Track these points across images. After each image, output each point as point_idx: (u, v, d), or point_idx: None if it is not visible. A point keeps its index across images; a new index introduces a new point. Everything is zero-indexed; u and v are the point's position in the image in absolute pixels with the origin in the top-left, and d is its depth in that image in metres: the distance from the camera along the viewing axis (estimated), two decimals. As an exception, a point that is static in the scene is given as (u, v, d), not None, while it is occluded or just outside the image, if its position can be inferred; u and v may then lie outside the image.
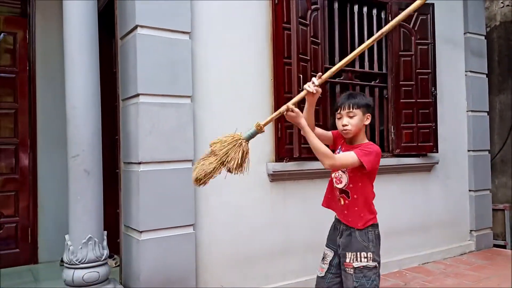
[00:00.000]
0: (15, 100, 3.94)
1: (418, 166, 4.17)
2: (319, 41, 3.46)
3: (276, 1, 3.28)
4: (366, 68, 4.03)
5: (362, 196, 2.06)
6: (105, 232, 2.68)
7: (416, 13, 4.06)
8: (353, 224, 2.07)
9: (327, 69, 3.54)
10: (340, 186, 2.10)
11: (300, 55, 3.24)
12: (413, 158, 4.11)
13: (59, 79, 3.25)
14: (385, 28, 2.03)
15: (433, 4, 4.12)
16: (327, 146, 2.11)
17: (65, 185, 2.62)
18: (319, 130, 2.21)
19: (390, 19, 4.02)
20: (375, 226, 2.10)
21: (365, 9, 4.00)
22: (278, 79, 3.26)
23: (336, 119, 2.13)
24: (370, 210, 2.08)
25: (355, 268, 2.02)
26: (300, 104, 3.19)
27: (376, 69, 4.06)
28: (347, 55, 3.81)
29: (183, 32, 2.81)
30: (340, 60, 3.72)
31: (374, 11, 4.05)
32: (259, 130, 2.05)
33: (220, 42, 3.05)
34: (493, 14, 5.61)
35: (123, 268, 2.97)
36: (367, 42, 2.02)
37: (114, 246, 3.29)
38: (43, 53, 3.96)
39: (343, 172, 2.09)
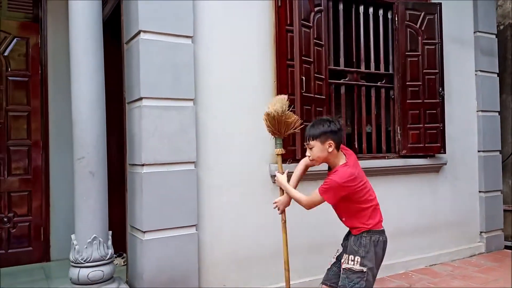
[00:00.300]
0: (28, 102, 4.07)
1: (425, 167, 4.14)
2: (322, 42, 3.47)
3: (279, 4, 3.31)
4: (372, 69, 4.02)
5: (349, 214, 2.17)
6: (110, 232, 2.75)
7: (423, 13, 4.03)
8: (352, 231, 2.22)
9: (331, 71, 3.62)
10: None
11: (303, 57, 3.26)
12: (420, 159, 4.08)
13: (70, 82, 3.35)
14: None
15: (440, 4, 4.08)
16: None
17: (75, 185, 2.71)
18: (302, 162, 2.43)
19: (396, 19, 4.01)
20: (373, 232, 2.14)
21: (371, 9, 3.99)
22: (281, 81, 3.29)
23: None
24: (363, 221, 2.15)
25: (343, 269, 2.15)
26: (304, 106, 3.24)
27: (382, 70, 4.05)
28: (352, 56, 3.87)
29: (186, 37, 2.86)
30: (345, 61, 3.77)
31: (380, 12, 4.04)
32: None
33: (223, 45, 3.10)
34: (506, 12, 5.50)
35: (128, 267, 3.05)
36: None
37: (124, 245, 3.36)
38: (54, 56, 4.07)
39: None
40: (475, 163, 4.57)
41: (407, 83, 4.03)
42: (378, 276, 3.60)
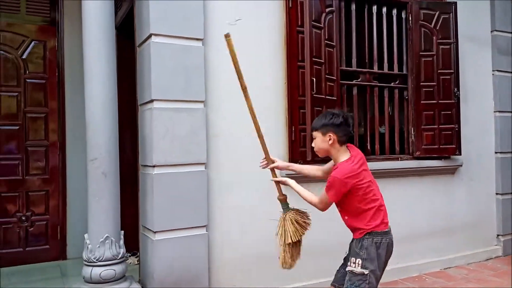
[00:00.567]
0: (45, 104, 4.17)
1: (440, 169, 4.08)
2: (334, 43, 3.46)
3: (290, 5, 3.31)
4: (386, 69, 3.98)
5: (352, 214, 2.15)
6: (122, 231, 2.80)
7: (438, 12, 3.98)
8: (353, 235, 2.20)
9: (343, 72, 3.60)
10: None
11: (313, 58, 3.25)
12: (434, 161, 4.03)
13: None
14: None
15: (455, 3, 4.02)
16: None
17: (90, 186, 2.76)
18: (326, 166, 2.38)
19: (410, 18, 3.96)
20: (375, 234, 2.11)
21: (384, 9, 3.95)
22: (292, 83, 3.29)
23: None
24: (365, 222, 2.12)
25: (347, 271, 2.16)
26: (300, 110, 3.25)
27: (396, 70, 4.01)
28: (365, 56, 3.84)
29: (196, 39, 2.89)
30: (357, 62, 3.75)
31: (394, 11, 4.00)
32: (281, 201, 2.39)
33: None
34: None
35: (141, 266, 3.10)
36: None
37: (138, 244, 3.41)
38: (71, 59, 4.16)
39: None
40: (492, 164, 4.49)
41: (421, 83, 3.98)
42: (390, 279, 3.61)
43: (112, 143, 2.72)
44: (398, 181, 3.86)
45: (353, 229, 2.19)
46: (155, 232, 2.75)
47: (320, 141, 2.16)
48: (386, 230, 2.15)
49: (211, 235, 2.96)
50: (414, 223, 3.89)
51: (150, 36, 2.77)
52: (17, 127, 4.03)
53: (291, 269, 3.32)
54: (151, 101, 2.77)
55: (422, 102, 3.98)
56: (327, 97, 3.37)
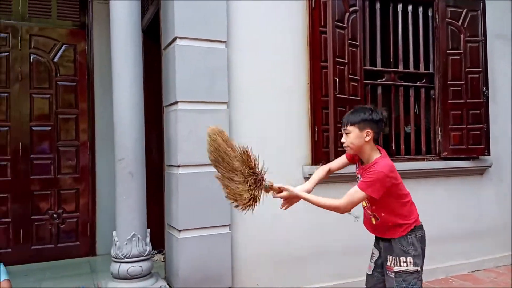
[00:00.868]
0: (76, 105, 4.32)
1: (468, 170, 3.99)
2: (357, 43, 3.44)
3: (313, 5, 3.31)
4: (411, 68, 3.92)
5: (390, 211, 2.05)
6: (148, 229, 2.88)
7: (465, 10, 3.89)
8: (391, 236, 2.08)
9: (367, 71, 3.58)
10: (366, 208, 2.15)
11: (337, 59, 3.25)
12: (462, 161, 3.94)
13: (112, 87, 3.54)
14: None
15: (483, 0, 3.92)
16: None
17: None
18: (333, 164, 2.30)
19: (437, 16, 3.89)
20: (416, 228, 2.07)
21: (410, 7, 3.89)
22: (315, 83, 3.29)
23: None
24: (404, 218, 2.06)
25: (395, 272, 2.04)
26: (323, 110, 3.25)
27: (422, 69, 3.95)
28: (389, 56, 3.80)
29: (219, 41, 2.94)
30: (382, 62, 3.72)
31: (420, 9, 3.93)
32: (266, 190, 2.09)
33: (256, 48, 3.15)
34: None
35: (166, 263, 3.18)
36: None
37: (164, 242, 3.50)
38: (100, 61, 4.29)
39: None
40: (523, 165, 4.35)
41: (449, 82, 3.90)
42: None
43: (139, 144, 2.80)
44: (424, 182, 3.81)
45: (392, 227, 2.07)
46: (179, 231, 2.82)
47: (355, 137, 2.02)
48: (421, 223, 2.13)
49: (234, 234, 3.00)
50: (441, 225, 3.82)
51: (175, 39, 2.84)
52: (50, 128, 4.20)
53: (313, 270, 3.34)
54: (176, 102, 2.84)
55: (449, 101, 3.90)
56: (350, 97, 3.36)
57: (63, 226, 4.19)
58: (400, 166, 3.54)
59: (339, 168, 2.29)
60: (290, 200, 2.15)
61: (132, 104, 2.76)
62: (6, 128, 4.02)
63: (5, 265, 2.68)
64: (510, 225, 4.24)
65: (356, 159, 2.18)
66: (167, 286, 2.82)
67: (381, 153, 2.09)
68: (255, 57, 3.14)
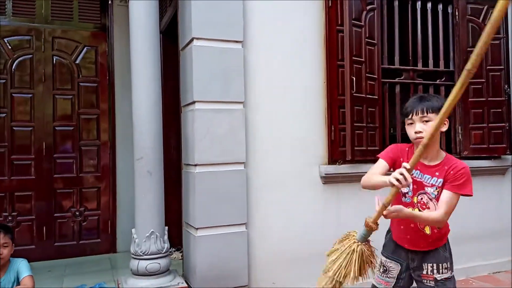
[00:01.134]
0: (97, 106, 4.42)
1: (489, 169, 3.91)
2: (375, 41, 3.42)
3: (330, 4, 3.31)
4: (431, 66, 3.87)
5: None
6: (166, 227, 2.93)
7: (486, 6, 3.81)
8: (439, 245, 1.94)
9: (384, 70, 3.55)
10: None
11: (353, 57, 3.23)
12: (483, 161, 3.86)
13: (131, 88, 3.61)
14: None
15: (505, -4, 3.83)
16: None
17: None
18: (378, 172, 1.90)
19: (457, 13, 3.83)
20: None
21: (429, 4, 3.84)
22: (331, 82, 3.29)
23: (406, 127, 1.89)
24: (447, 224, 1.92)
25: (437, 281, 1.91)
26: (340, 109, 3.22)
27: (442, 67, 3.89)
28: (408, 54, 3.76)
29: (236, 41, 2.96)
30: (400, 60, 3.68)
31: (440, 7, 3.87)
32: (369, 229, 1.75)
33: (272, 48, 3.16)
34: None
35: (184, 261, 3.23)
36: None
37: (182, 240, 3.56)
38: (120, 62, 4.38)
39: (429, 198, 1.84)
40: (548, 165, 4.23)
41: (469, 80, 3.82)
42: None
43: (157, 143, 2.85)
44: None
45: (444, 234, 1.94)
46: (197, 229, 2.86)
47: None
48: None
49: (250, 233, 3.03)
50: (461, 226, 3.72)
51: (192, 40, 2.88)
52: (72, 128, 4.31)
53: None
54: (193, 102, 2.87)
55: (470, 99, 3.83)
56: (367, 96, 3.34)
57: (84, 223, 4.30)
58: (419, 165, 3.51)
59: (382, 173, 1.91)
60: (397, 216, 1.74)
61: (150, 104, 2.81)
62: (30, 128, 4.15)
63: (28, 261, 2.76)
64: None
65: (399, 161, 1.90)
66: (185, 283, 2.86)
67: None
68: (271, 56, 3.16)
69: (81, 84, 4.36)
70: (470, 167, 3.70)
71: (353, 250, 1.78)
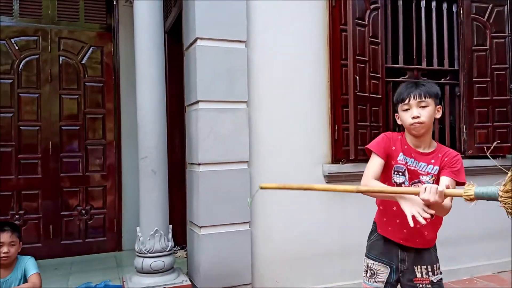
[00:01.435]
0: (103, 105, 4.46)
1: (494, 169, 3.87)
2: (379, 40, 3.42)
3: (333, 4, 3.31)
4: (435, 65, 3.86)
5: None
6: (170, 226, 2.96)
7: (491, 5, 3.80)
8: (430, 244, 1.86)
9: (388, 69, 3.55)
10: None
11: (357, 57, 3.24)
12: (488, 160, 3.84)
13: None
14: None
15: (510, -6, 3.82)
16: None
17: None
18: (376, 172, 1.80)
19: (461, 12, 3.82)
20: None
21: (433, 3, 3.83)
22: (335, 82, 3.29)
23: (401, 113, 1.80)
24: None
25: (433, 283, 1.83)
26: (343, 108, 3.22)
27: (446, 66, 3.88)
28: (412, 53, 3.75)
29: (239, 41, 2.98)
30: (404, 59, 3.68)
31: (444, 5, 3.86)
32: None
33: (275, 47, 3.17)
34: None
35: (188, 259, 3.26)
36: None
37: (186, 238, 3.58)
38: (126, 62, 4.41)
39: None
40: (554, 164, 4.21)
41: (474, 79, 3.82)
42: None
43: (161, 142, 2.88)
44: None
45: (435, 237, 1.88)
46: (200, 227, 2.88)
47: (432, 112, 1.75)
48: None
49: (254, 232, 3.05)
50: (466, 225, 3.74)
51: (195, 40, 2.90)
52: (78, 127, 4.36)
53: (332, 268, 3.34)
54: (197, 102, 2.90)
55: (474, 98, 3.82)
56: (371, 95, 3.34)
57: (91, 222, 4.34)
58: (423, 164, 3.51)
59: (380, 174, 1.84)
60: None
61: (155, 103, 2.84)
62: (37, 128, 4.20)
63: (35, 259, 2.80)
64: (539, 226, 4.12)
65: (394, 153, 1.83)
66: (188, 281, 2.89)
67: None
68: (274, 56, 3.17)
69: (87, 84, 4.40)
70: (475, 167, 3.76)
71: None
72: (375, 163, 1.82)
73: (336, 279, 3.30)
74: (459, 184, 1.75)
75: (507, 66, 3.83)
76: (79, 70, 4.37)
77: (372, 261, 1.92)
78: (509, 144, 3.83)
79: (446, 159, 1.78)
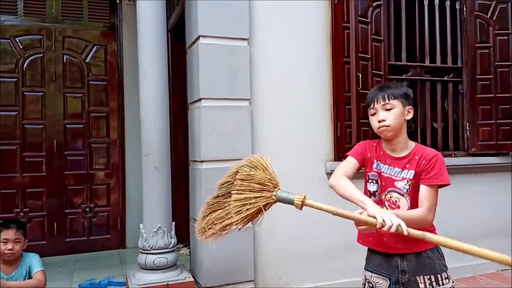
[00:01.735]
0: (107, 104, 4.49)
1: (497, 166, 3.88)
2: (381, 38, 3.42)
3: (336, 1, 3.31)
4: (438, 63, 3.86)
5: None
6: (173, 222, 2.98)
7: (494, 2, 3.79)
8: (421, 248, 1.70)
9: (391, 66, 3.55)
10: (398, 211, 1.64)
11: (359, 54, 3.24)
12: (491, 158, 3.84)
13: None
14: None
15: (514, -9, 3.81)
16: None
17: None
18: (349, 172, 1.78)
19: (465, 9, 3.81)
20: None
21: (436, 0, 3.82)
22: (337, 79, 3.30)
23: (370, 117, 1.77)
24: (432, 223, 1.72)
25: None
26: (346, 106, 3.21)
27: (449, 63, 3.87)
28: (415, 50, 3.75)
29: (242, 39, 2.99)
30: (407, 56, 3.67)
31: (447, 3, 3.86)
32: (297, 205, 1.61)
33: (278, 45, 3.18)
34: None
35: (191, 256, 3.27)
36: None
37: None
38: (129, 61, 4.44)
39: (401, 194, 1.69)
40: (558, 161, 4.19)
41: (477, 76, 3.80)
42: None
43: (164, 140, 2.90)
44: (452, 179, 3.65)
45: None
46: (203, 224, 2.89)
47: (399, 114, 1.69)
48: None
49: (256, 229, 3.05)
50: (469, 223, 3.73)
51: (198, 38, 2.91)
52: (82, 126, 4.39)
53: (335, 265, 3.34)
54: (199, 99, 2.91)
55: (478, 96, 3.81)
56: (373, 92, 3.34)
57: (95, 219, 4.37)
58: (426, 162, 3.50)
59: (352, 173, 1.80)
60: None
61: (157, 101, 2.86)
62: (41, 126, 4.23)
63: (40, 257, 2.82)
64: (543, 224, 4.10)
65: (369, 158, 1.80)
66: (191, 278, 2.90)
67: None
68: (277, 54, 3.18)
69: (91, 82, 4.43)
70: (478, 164, 3.75)
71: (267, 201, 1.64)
72: (347, 162, 1.81)
73: (338, 276, 3.30)
74: (443, 186, 1.67)
75: (510, 63, 3.81)
76: (83, 69, 4.40)
77: (370, 273, 1.83)
78: (512, 142, 3.82)
79: (423, 161, 1.68)
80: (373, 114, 1.74)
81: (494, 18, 3.79)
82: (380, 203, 1.73)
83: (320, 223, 3.25)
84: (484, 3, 3.79)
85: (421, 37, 3.78)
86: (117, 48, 4.50)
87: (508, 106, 3.81)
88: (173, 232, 2.95)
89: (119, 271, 3.64)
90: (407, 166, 1.71)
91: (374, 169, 1.78)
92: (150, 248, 2.84)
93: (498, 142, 3.80)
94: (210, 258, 2.89)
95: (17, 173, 4.13)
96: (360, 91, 3.22)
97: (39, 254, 2.84)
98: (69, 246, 4.23)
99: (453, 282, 1.73)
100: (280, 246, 3.14)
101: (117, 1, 4.43)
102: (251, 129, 3.02)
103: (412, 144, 1.76)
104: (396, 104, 1.69)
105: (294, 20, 3.24)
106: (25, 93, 4.19)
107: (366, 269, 1.86)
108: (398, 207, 1.70)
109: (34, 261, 2.75)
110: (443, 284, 1.69)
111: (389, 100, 1.69)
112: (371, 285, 1.81)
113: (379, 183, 1.76)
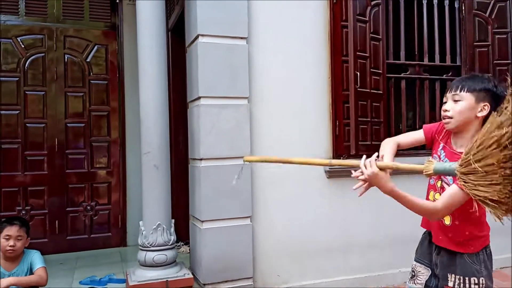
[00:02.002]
0: (107, 103, 4.52)
1: (496, 164, 3.89)
2: (380, 36, 3.44)
3: (334, 0, 3.33)
4: (437, 61, 3.87)
5: (466, 218, 1.62)
6: (173, 220, 3.01)
7: (493, 1, 3.80)
8: (462, 250, 1.65)
9: (390, 65, 3.56)
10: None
11: (358, 53, 3.26)
12: (490, 155, 3.85)
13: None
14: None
15: (513, -10, 3.82)
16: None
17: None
18: (403, 139, 1.77)
19: (463, 8, 3.82)
20: (488, 245, 1.69)
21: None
22: (336, 78, 3.32)
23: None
24: (481, 229, 1.65)
25: None
26: (344, 104, 3.23)
27: (448, 62, 3.88)
28: (414, 49, 3.76)
29: (241, 38, 3.01)
30: (406, 55, 3.68)
31: (446, 1, 3.87)
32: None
33: (277, 44, 3.20)
34: None
35: (190, 253, 3.30)
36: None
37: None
38: (130, 61, 4.46)
39: (448, 186, 1.60)
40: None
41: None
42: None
43: (163, 138, 2.93)
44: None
45: (467, 238, 1.64)
46: (202, 221, 2.92)
47: (467, 107, 1.58)
48: None
49: (255, 226, 3.08)
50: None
51: (197, 37, 2.94)
52: (83, 125, 4.41)
53: (334, 262, 3.37)
54: (198, 98, 2.94)
55: (477, 94, 3.82)
56: (372, 91, 3.36)
57: (96, 218, 4.40)
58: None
59: (409, 146, 1.78)
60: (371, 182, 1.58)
61: (157, 100, 2.90)
62: (43, 125, 4.26)
63: (41, 254, 2.85)
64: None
65: (436, 140, 1.73)
66: (191, 274, 2.93)
67: None
68: (276, 52, 3.20)
69: (92, 82, 4.45)
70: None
71: None
72: (414, 133, 1.81)
73: (337, 273, 3.32)
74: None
75: (509, 61, 3.83)
76: (84, 68, 4.43)
77: (415, 262, 1.84)
78: (511, 140, 3.82)
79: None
80: (445, 102, 1.67)
81: (493, 17, 3.81)
82: (433, 188, 1.72)
83: (319, 220, 3.28)
84: (483, 2, 3.80)
85: (420, 35, 3.79)
86: (118, 48, 4.52)
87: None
88: (172, 229, 2.97)
89: (120, 268, 3.67)
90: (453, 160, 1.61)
91: (437, 153, 1.73)
92: (150, 245, 2.87)
93: (497, 140, 3.80)
94: (209, 255, 2.92)
95: (19, 171, 4.17)
96: (358, 89, 3.24)
97: (41, 252, 2.86)
98: (70, 244, 4.26)
99: None
100: (279, 243, 3.16)
101: (118, 1, 4.46)
102: (250, 127, 3.04)
103: None
104: (467, 97, 1.59)
105: (292, 19, 3.26)
106: (26, 92, 4.22)
107: (414, 259, 1.87)
108: None
109: (35, 258, 2.77)
110: None
111: (460, 91, 1.60)
112: (413, 273, 1.83)
113: None
